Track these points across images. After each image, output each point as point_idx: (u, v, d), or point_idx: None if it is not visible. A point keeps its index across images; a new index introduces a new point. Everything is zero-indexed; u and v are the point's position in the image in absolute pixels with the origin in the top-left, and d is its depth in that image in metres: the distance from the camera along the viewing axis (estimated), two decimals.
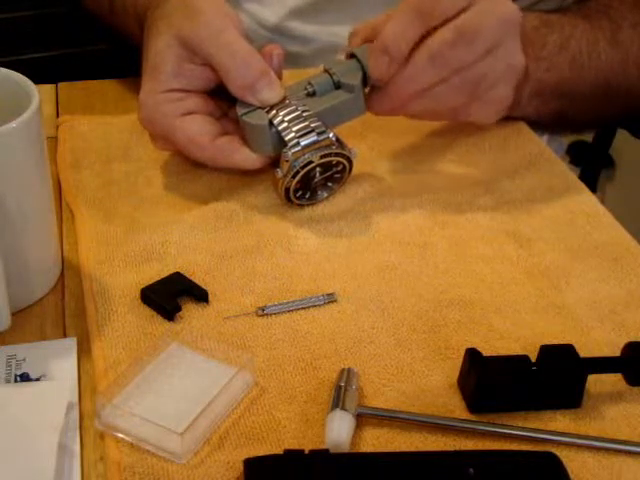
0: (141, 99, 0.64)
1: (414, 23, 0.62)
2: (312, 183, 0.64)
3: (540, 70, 0.70)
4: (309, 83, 0.64)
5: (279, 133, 0.62)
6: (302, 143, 0.61)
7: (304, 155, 0.61)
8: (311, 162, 0.62)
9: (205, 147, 0.63)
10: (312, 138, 0.61)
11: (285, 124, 0.61)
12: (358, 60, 0.64)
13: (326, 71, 0.64)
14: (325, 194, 0.66)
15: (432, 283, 0.59)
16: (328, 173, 0.64)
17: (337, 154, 0.63)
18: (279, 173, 0.62)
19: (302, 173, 0.62)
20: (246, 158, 0.64)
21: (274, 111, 0.62)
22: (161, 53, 0.64)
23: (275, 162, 0.64)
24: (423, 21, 0.62)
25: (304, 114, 0.62)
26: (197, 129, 0.63)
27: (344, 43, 0.67)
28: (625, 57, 0.73)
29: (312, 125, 0.62)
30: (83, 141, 0.72)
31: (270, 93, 0.62)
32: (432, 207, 0.66)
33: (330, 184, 0.65)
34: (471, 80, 0.64)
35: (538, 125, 0.77)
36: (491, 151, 0.73)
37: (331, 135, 0.62)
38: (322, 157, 0.62)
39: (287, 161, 0.62)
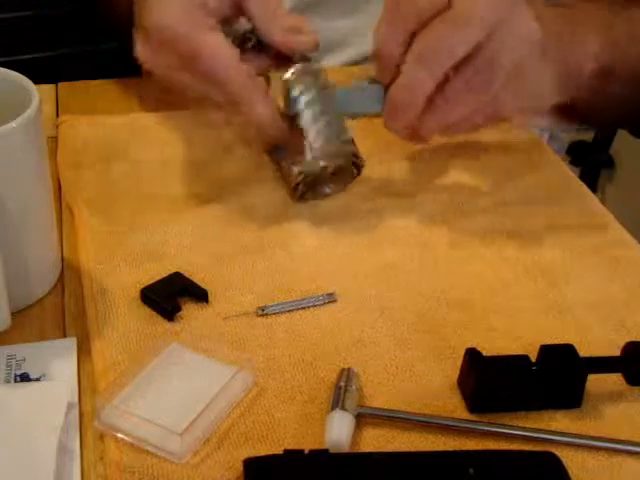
0: (154, 21, 0.61)
1: (397, 23, 0.59)
2: (319, 182, 0.65)
3: (605, 50, 0.63)
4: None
5: (303, 130, 0.62)
6: (323, 148, 0.62)
7: (323, 160, 0.63)
8: (326, 167, 0.63)
9: (233, 72, 0.59)
10: (335, 143, 0.62)
11: (311, 122, 0.62)
12: None
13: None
14: (327, 190, 0.66)
15: (432, 283, 0.59)
16: (336, 175, 0.65)
17: (353, 163, 0.64)
18: (294, 170, 0.63)
19: (315, 174, 0.63)
20: (268, 114, 0.60)
21: (306, 106, 0.62)
22: None
23: (276, 151, 0.64)
24: (406, 20, 0.58)
25: (331, 116, 0.62)
26: (229, 50, 0.59)
27: (345, 39, 0.67)
28: None
29: (337, 129, 0.62)
30: (83, 141, 0.72)
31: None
32: (432, 207, 0.66)
33: (333, 185, 0.66)
34: (478, 72, 0.58)
35: (603, 119, 0.72)
36: (491, 151, 0.73)
37: (352, 145, 0.63)
38: (337, 165, 0.63)
39: (303, 161, 0.63)
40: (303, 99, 0.62)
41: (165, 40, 0.61)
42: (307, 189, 0.65)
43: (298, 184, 0.64)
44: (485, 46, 0.57)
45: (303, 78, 0.62)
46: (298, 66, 0.62)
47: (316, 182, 0.65)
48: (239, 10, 0.63)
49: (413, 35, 0.58)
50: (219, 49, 0.59)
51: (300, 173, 0.63)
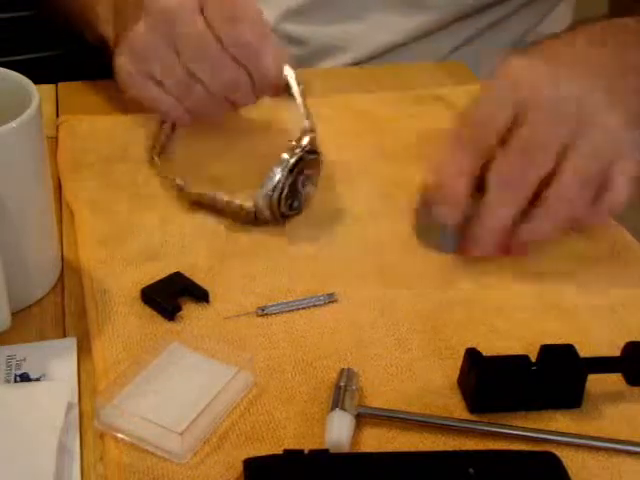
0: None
1: (466, 156, 0.56)
2: (298, 188, 0.63)
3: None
4: None
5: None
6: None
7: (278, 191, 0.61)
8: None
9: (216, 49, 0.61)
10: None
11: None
12: None
13: None
14: (310, 187, 0.64)
15: (432, 283, 0.59)
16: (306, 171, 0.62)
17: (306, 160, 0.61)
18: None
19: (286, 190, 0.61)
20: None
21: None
22: None
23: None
24: (475, 151, 0.56)
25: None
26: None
27: (340, 44, 0.66)
28: None
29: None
30: (83, 141, 0.72)
31: None
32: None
33: (309, 173, 0.63)
34: (565, 196, 0.55)
35: None
36: None
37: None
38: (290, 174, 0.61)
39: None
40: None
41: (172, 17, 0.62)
42: (292, 201, 0.63)
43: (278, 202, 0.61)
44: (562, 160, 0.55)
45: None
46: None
47: (295, 192, 0.62)
48: None
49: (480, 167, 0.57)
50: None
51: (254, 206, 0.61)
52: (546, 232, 0.58)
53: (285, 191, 0.60)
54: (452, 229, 0.60)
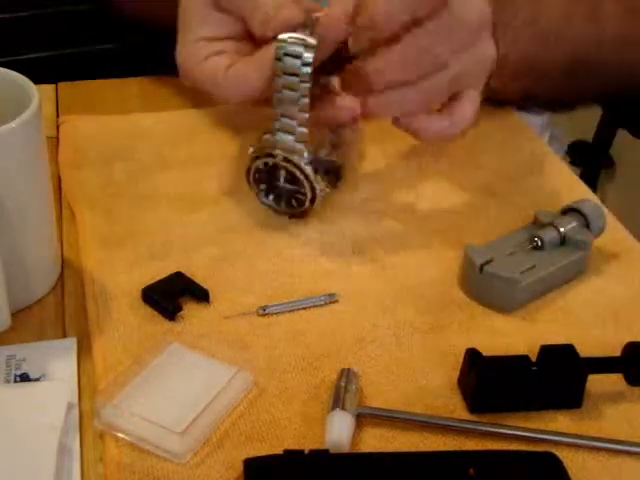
0: (178, 52, 0.63)
1: (406, 7, 0.56)
2: (276, 185, 0.63)
3: (505, 43, 0.63)
4: (537, 236, 0.60)
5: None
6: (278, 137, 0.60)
7: (272, 147, 0.60)
8: (272, 156, 0.60)
9: (218, 81, 0.60)
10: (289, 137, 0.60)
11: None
12: (583, 215, 0.60)
13: (553, 225, 0.60)
14: (286, 207, 0.64)
15: (433, 283, 0.59)
16: (292, 187, 0.62)
17: (304, 175, 0.60)
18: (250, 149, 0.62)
19: (263, 162, 0.61)
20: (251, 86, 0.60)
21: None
22: (188, 4, 0.63)
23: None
24: (414, 7, 0.56)
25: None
26: (214, 65, 0.61)
27: None
28: (601, 33, 0.69)
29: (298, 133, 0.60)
30: (83, 141, 0.72)
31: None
32: (433, 208, 0.66)
33: (294, 203, 0.63)
34: (439, 83, 0.59)
35: (505, 102, 0.73)
36: (491, 152, 0.73)
37: (306, 154, 0.60)
38: (285, 159, 0.60)
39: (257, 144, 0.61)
40: None
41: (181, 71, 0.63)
42: (265, 189, 0.63)
43: (249, 168, 0.62)
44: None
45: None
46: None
47: (272, 185, 0.63)
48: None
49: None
50: (208, 70, 0.61)
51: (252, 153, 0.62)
52: (396, 106, 0.59)
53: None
54: None
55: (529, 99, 0.74)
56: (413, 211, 0.66)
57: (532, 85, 0.70)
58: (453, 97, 0.60)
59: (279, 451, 0.46)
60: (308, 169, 0.60)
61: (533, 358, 0.50)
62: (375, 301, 0.58)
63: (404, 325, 0.56)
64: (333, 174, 0.64)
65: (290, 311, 0.56)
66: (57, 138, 0.72)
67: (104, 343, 0.53)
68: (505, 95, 0.71)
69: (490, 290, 0.57)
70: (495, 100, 0.70)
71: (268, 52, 0.58)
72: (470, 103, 0.61)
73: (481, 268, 0.57)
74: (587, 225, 0.60)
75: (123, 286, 0.57)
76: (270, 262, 0.60)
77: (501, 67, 0.64)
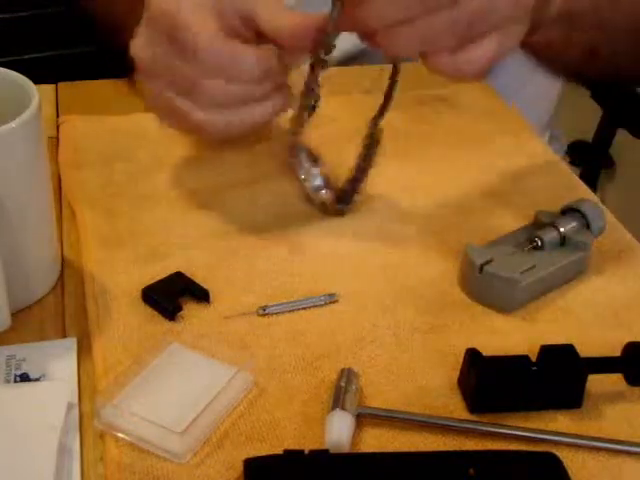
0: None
1: None
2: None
3: None
4: (537, 236, 0.60)
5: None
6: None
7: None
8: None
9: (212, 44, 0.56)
10: None
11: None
12: (582, 215, 0.60)
13: (553, 225, 0.60)
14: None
15: (433, 283, 0.59)
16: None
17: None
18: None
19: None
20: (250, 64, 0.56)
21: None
22: None
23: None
24: None
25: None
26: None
27: None
28: None
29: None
30: (83, 141, 0.72)
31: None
32: (433, 208, 0.66)
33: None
34: (446, 20, 0.54)
35: (565, 65, 0.70)
36: (492, 152, 0.73)
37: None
38: None
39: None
40: None
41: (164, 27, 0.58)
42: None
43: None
44: None
45: None
46: None
47: None
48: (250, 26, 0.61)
49: None
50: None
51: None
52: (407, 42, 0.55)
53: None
54: None
55: (594, 61, 0.69)
56: (413, 211, 0.66)
57: (599, 42, 0.67)
58: (478, 36, 0.55)
59: (279, 451, 0.46)
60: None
61: (533, 358, 0.50)
62: (375, 301, 0.58)
63: (404, 325, 0.56)
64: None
65: (290, 311, 0.56)
66: (57, 138, 0.72)
67: (104, 343, 0.53)
68: (568, 50, 0.67)
69: (490, 290, 0.57)
70: (557, 60, 0.68)
71: None
72: (489, 42, 0.55)
73: (481, 268, 0.57)
74: (587, 225, 0.60)
75: (123, 286, 0.57)
76: (270, 262, 0.60)
77: (566, 17, 0.60)
